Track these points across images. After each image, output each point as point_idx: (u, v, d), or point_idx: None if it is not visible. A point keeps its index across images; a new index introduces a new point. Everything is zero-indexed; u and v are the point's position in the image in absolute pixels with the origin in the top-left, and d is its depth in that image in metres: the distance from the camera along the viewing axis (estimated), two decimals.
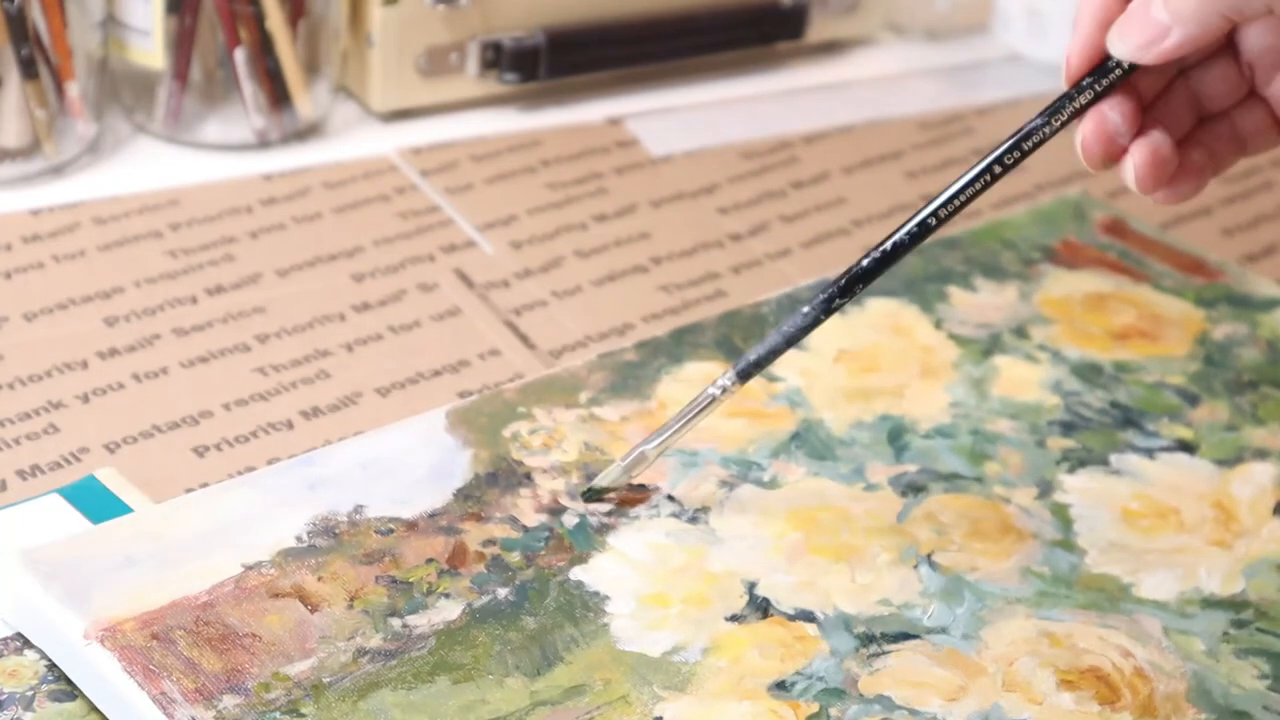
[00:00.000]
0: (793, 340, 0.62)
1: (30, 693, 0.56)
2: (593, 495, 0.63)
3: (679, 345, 0.71)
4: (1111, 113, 0.59)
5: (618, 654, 0.58)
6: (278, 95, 0.84)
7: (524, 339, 0.76)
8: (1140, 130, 0.59)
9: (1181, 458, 0.69)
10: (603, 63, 0.92)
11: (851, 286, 0.61)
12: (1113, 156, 0.59)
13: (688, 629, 0.59)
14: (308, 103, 0.85)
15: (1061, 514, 0.65)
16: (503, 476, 0.64)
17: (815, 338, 0.71)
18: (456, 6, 0.87)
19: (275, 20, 0.83)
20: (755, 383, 0.69)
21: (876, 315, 0.74)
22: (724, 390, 0.62)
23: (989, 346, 0.73)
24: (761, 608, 0.60)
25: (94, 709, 0.56)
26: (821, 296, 0.61)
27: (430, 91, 0.89)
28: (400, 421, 0.66)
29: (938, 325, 0.74)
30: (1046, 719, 0.57)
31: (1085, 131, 0.59)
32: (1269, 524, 0.66)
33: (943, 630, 0.60)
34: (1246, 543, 0.65)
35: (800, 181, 0.88)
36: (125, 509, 0.62)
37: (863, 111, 0.94)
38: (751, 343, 0.70)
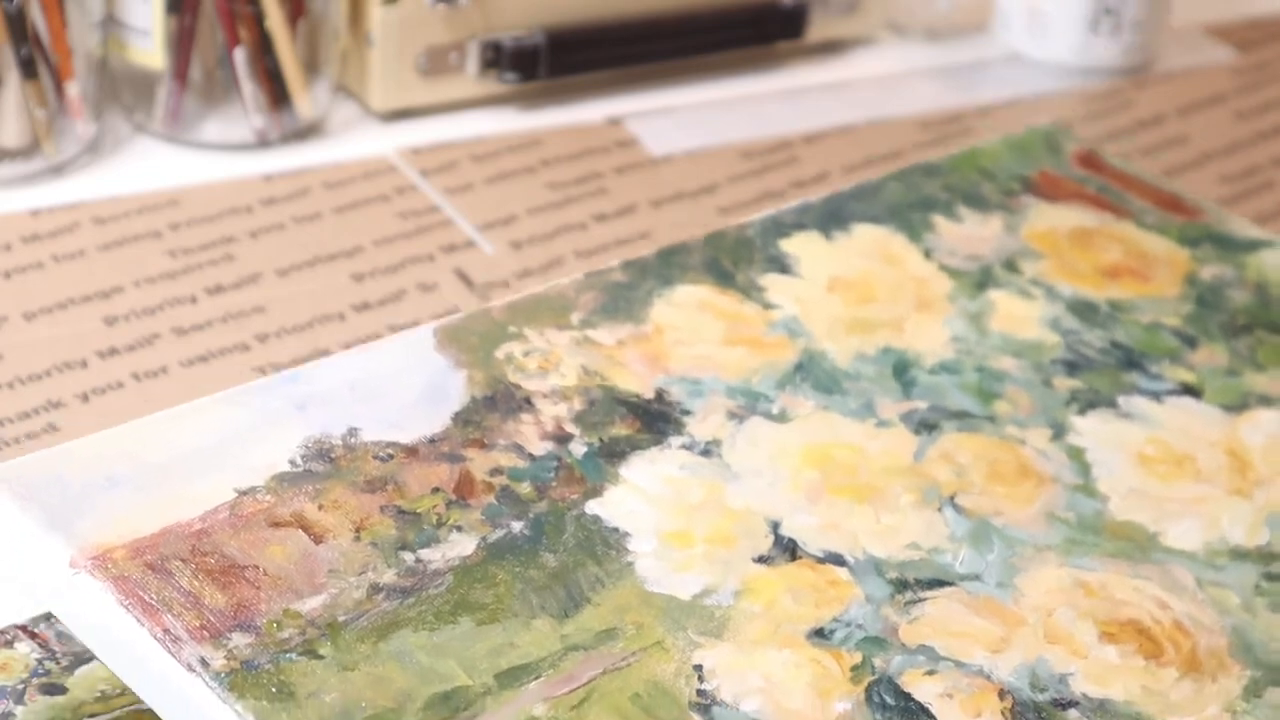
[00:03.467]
0: None
1: (21, 686, 0.56)
2: None
3: (667, 267, 0.69)
4: None
5: (646, 596, 0.55)
6: (277, 95, 0.84)
7: None
8: None
9: (1189, 402, 0.67)
10: (603, 63, 0.92)
11: None
12: None
13: (716, 570, 0.57)
14: (307, 102, 0.85)
15: (1078, 457, 0.64)
16: (501, 400, 0.61)
17: (806, 263, 0.69)
18: (456, 6, 0.87)
19: (275, 20, 0.83)
20: (751, 308, 0.67)
21: (866, 242, 0.72)
22: None
23: (982, 279, 0.71)
24: (789, 549, 0.58)
25: (87, 701, 0.54)
26: None
27: (430, 91, 0.88)
28: (385, 339, 0.63)
29: (927, 255, 0.72)
30: (1093, 673, 0.56)
31: None
32: None
33: (976, 577, 0.58)
34: (1265, 492, 0.64)
35: (800, 181, 0.88)
36: None
37: (863, 111, 0.94)
38: (740, 265, 0.69)
